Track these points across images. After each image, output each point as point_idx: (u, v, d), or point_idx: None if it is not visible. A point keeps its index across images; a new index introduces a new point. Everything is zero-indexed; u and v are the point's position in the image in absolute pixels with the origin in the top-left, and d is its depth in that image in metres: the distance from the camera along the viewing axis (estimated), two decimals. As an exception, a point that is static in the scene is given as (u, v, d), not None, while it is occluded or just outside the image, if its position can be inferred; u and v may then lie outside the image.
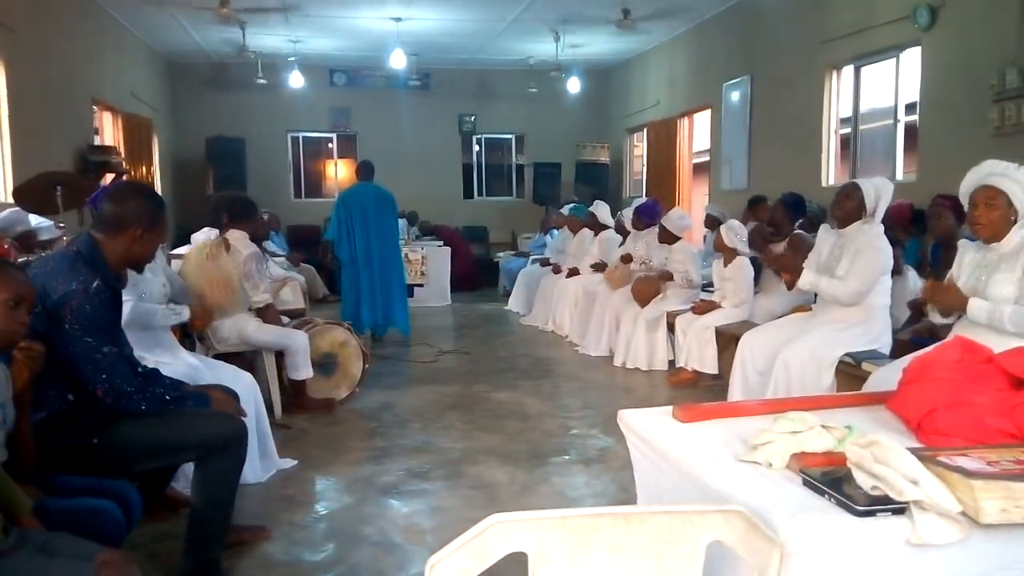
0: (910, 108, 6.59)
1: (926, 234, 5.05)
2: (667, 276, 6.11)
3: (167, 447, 2.51)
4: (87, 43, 8.19)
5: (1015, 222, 2.73)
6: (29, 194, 5.16)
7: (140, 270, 2.71)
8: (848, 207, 3.85)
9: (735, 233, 5.39)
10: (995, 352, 1.84)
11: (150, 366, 2.79)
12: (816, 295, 4.14)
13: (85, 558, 1.73)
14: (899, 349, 3.80)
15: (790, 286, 4.13)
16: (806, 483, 1.44)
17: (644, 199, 7.44)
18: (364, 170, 7.18)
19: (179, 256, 5.19)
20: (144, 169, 9.59)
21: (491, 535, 1.16)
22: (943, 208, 4.58)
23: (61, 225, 5.34)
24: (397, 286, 7.19)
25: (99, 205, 2.54)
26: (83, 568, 1.69)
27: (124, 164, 8.36)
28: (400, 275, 7.27)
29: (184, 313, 3.60)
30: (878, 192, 3.84)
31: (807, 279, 3.92)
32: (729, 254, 5.44)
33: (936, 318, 3.01)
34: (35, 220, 5.00)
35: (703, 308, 5.45)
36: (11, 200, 5.51)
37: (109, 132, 9.08)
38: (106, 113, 8.99)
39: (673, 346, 5.90)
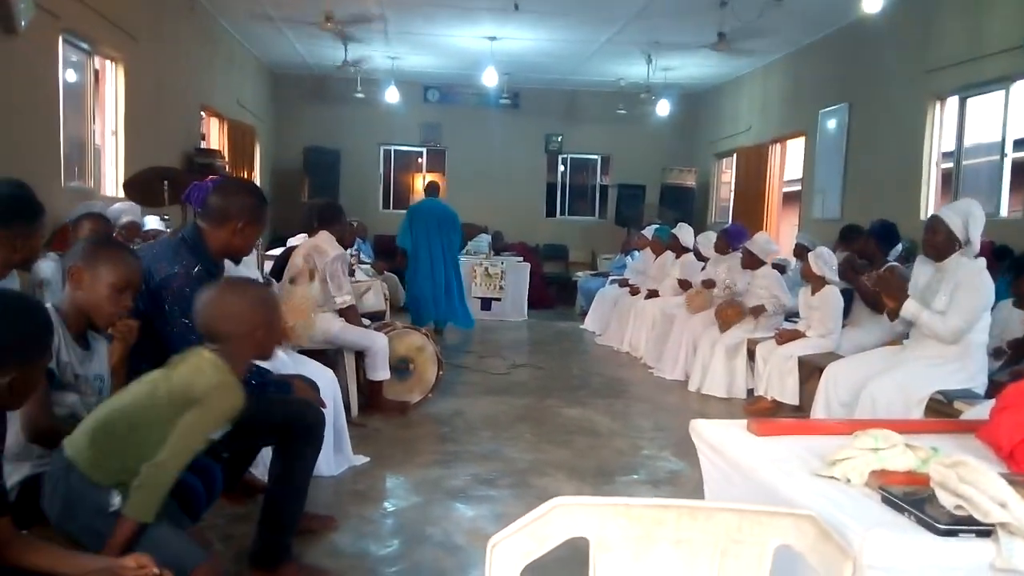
0: (1019, 143, 6.27)
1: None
2: (759, 311, 5.83)
3: (249, 428, 2.58)
4: (200, 52, 8.69)
5: None
6: (138, 187, 5.49)
7: (238, 261, 2.83)
8: (937, 242, 3.62)
9: (824, 261, 5.21)
10: None
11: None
12: (910, 330, 3.95)
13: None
14: (994, 390, 3.59)
15: (892, 315, 3.93)
16: (885, 500, 1.38)
17: (730, 225, 7.31)
18: (430, 189, 8.55)
19: (272, 256, 5.45)
20: (245, 173, 10.06)
21: (553, 517, 1.16)
22: None
23: (166, 217, 5.67)
24: (457, 289, 8.24)
25: (204, 199, 2.68)
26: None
27: (227, 168, 8.79)
28: (459, 280, 8.36)
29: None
30: (965, 218, 3.56)
31: (910, 308, 3.74)
32: (817, 282, 5.26)
33: None
34: (145, 216, 5.34)
35: (787, 337, 5.27)
36: (122, 194, 5.87)
37: (215, 137, 9.58)
38: (213, 119, 9.50)
39: (752, 374, 5.74)
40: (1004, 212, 6.43)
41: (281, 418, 2.59)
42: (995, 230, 5.82)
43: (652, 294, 7.70)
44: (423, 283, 7.97)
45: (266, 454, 2.98)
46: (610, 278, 9.86)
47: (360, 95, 11.33)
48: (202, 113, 9.00)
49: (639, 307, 7.62)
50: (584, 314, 9.59)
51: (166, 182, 5.37)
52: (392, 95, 11.59)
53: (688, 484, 3.77)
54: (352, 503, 3.46)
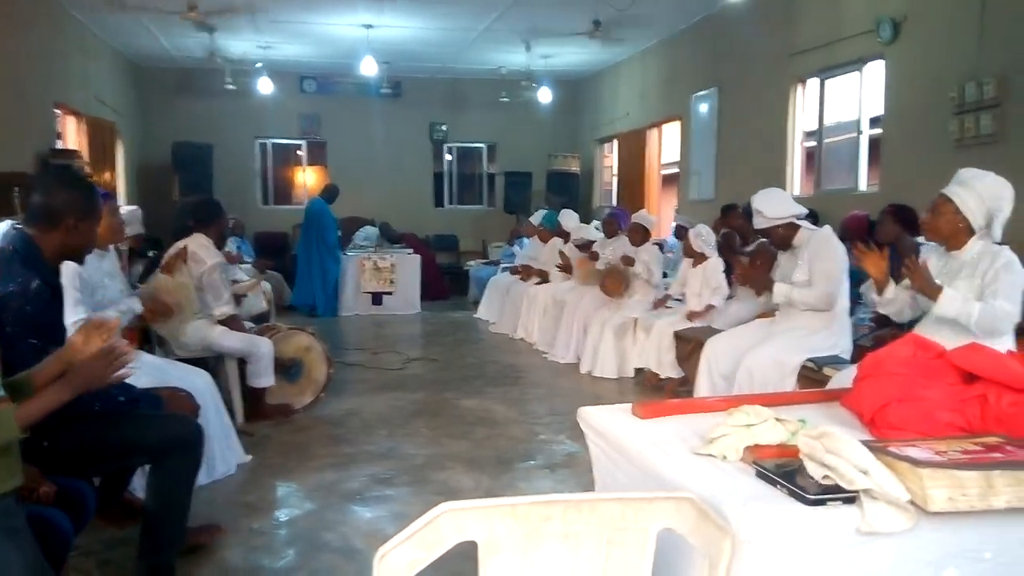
0: (874, 121, 6.72)
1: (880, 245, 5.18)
2: (628, 261, 6.20)
3: (120, 449, 2.46)
4: (49, 45, 8.04)
5: (969, 230, 2.76)
6: (-14, 195, 5.04)
7: (81, 261, 2.63)
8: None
9: (702, 238, 5.49)
10: (947, 349, 1.87)
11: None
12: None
13: None
14: (860, 354, 3.85)
15: (760, 291, 4.17)
16: (759, 474, 1.45)
17: (613, 208, 7.53)
18: (323, 191, 9.86)
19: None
20: (108, 174, 9.43)
21: (441, 524, 1.14)
22: (884, 215, 4.74)
23: (19, 227, 5.22)
24: (321, 279, 9.44)
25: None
26: None
27: (87, 168, 8.21)
28: (329, 271, 9.45)
29: (136, 306, 3.47)
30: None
31: (781, 291, 3.95)
32: (699, 258, 5.54)
33: (872, 298, 3.03)
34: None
35: (697, 316, 5.41)
36: (-33, 202, 5.37)
37: (72, 136, 8.92)
38: (69, 117, 8.84)
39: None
40: (863, 187, 6.88)
41: (154, 437, 2.45)
42: (854, 204, 6.25)
43: (543, 280, 7.80)
44: (301, 274, 9.46)
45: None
46: (501, 266, 9.91)
47: (231, 86, 10.83)
48: (56, 111, 8.34)
49: (531, 294, 7.71)
50: (477, 303, 9.60)
51: (17, 188, 4.95)
52: (265, 86, 11.15)
53: (583, 465, 3.83)
54: (242, 515, 3.32)
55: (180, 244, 4.45)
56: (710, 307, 5.39)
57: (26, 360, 2.24)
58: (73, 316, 2.75)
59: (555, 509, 1.17)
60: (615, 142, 11.84)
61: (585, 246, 7.32)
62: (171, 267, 4.12)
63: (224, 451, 3.72)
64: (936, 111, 5.69)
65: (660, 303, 5.63)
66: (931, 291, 2.73)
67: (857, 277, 4.72)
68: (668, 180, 10.78)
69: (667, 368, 5.38)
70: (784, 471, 1.41)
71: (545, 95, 11.49)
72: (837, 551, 1.30)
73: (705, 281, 5.49)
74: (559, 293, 7.15)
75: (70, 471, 2.34)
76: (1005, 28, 5.20)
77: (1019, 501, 1.31)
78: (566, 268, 7.28)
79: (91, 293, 3.16)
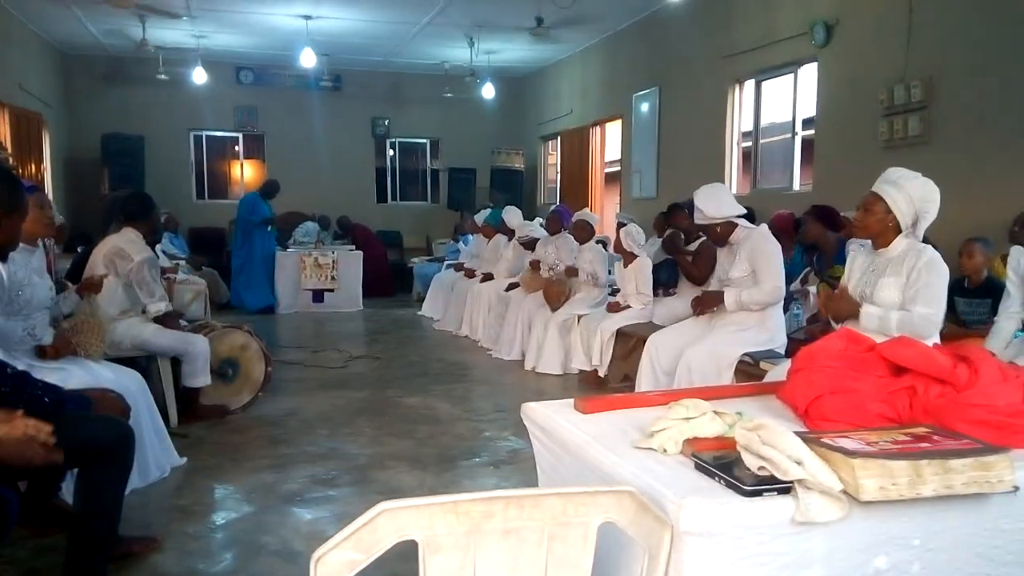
0: (807, 122, 6.92)
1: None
2: (572, 272, 6.27)
3: (45, 453, 2.35)
4: (-32, 30, 7.67)
5: (897, 229, 2.85)
6: None
7: (4, 258, 2.51)
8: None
9: (632, 238, 5.58)
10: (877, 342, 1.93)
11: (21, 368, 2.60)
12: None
13: None
14: (794, 348, 3.96)
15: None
16: (697, 466, 1.46)
17: (557, 206, 7.57)
18: (261, 186, 9.86)
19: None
20: (33, 166, 9.04)
21: (379, 523, 1.12)
22: (808, 216, 4.94)
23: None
24: (245, 272, 9.46)
25: None
26: None
27: (11, 160, 7.84)
28: (253, 265, 9.42)
29: (45, 337, 3.19)
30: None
31: (730, 297, 4.03)
32: (628, 257, 5.61)
33: (833, 324, 3.14)
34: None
35: (615, 307, 5.58)
36: None
37: (-7, 126, 8.50)
38: (-10, 106, 8.43)
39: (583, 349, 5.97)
40: (796, 186, 7.08)
41: (83, 439, 2.34)
42: (788, 203, 6.42)
43: (487, 277, 7.79)
44: (236, 271, 9.51)
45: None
46: (445, 263, 9.87)
47: (163, 77, 10.51)
48: (-25, 99, 7.95)
49: (475, 291, 7.69)
50: (421, 300, 9.54)
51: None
52: (200, 76, 10.83)
53: (528, 461, 3.81)
54: (176, 520, 3.22)
55: (106, 240, 4.29)
56: (628, 307, 5.52)
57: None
58: None
59: (497, 505, 1.16)
60: (558, 139, 11.91)
61: (529, 243, 7.34)
62: (90, 288, 3.88)
63: (157, 454, 3.61)
64: (866, 113, 5.89)
65: (615, 307, 5.60)
66: (852, 311, 2.89)
67: (795, 272, 4.87)
68: (611, 178, 10.90)
69: (605, 366, 5.43)
70: (721, 463, 1.43)
71: (489, 91, 11.48)
72: (773, 541, 1.33)
73: (636, 284, 5.57)
74: (503, 290, 7.15)
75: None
76: (932, 33, 5.41)
77: (945, 489, 1.36)
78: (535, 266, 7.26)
79: (17, 291, 3.00)
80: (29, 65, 9.64)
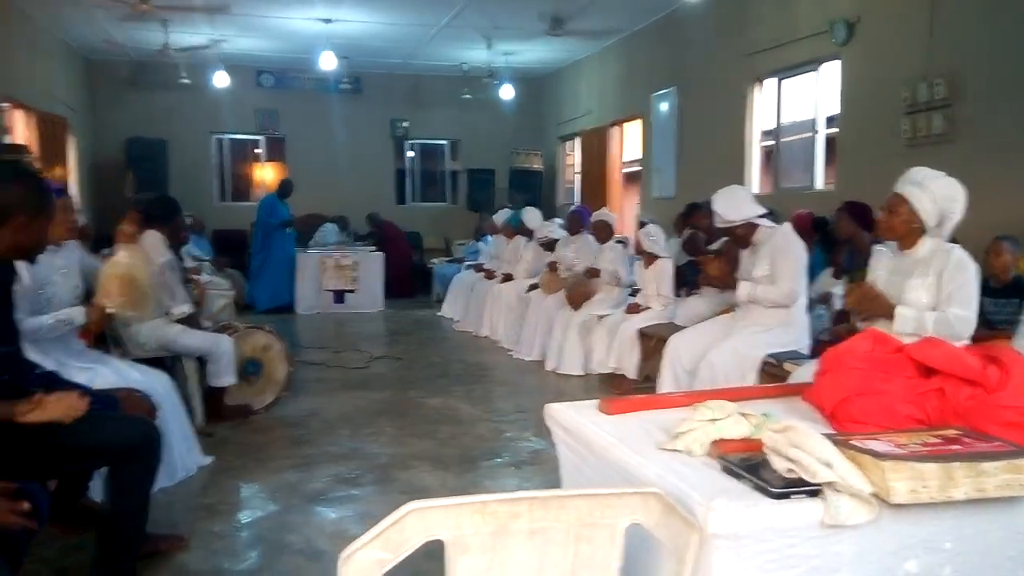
0: (830, 120, 6.85)
1: (837, 242, 5.26)
2: (593, 273, 6.22)
3: (75, 452, 2.38)
4: (-3, 37, 7.79)
5: (921, 230, 2.80)
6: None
7: (32, 260, 2.55)
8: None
9: (651, 237, 5.54)
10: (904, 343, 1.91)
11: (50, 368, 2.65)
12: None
13: None
14: (819, 350, 3.92)
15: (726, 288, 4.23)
16: (724, 468, 1.46)
17: (576, 206, 7.56)
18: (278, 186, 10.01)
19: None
20: (59, 170, 9.17)
21: (407, 523, 1.12)
22: (840, 212, 4.80)
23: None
24: (257, 272, 9.71)
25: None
26: None
27: (36, 164, 7.96)
28: (269, 265, 9.60)
29: (77, 317, 3.18)
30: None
31: (743, 291, 4.00)
32: (648, 257, 5.57)
33: (861, 325, 3.08)
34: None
35: (634, 309, 5.55)
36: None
37: (21, 131, 8.64)
38: (18, 111, 8.56)
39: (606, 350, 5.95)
40: (819, 185, 7.01)
41: (111, 439, 2.38)
42: (811, 202, 6.36)
43: (507, 278, 7.80)
44: (255, 272, 9.67)
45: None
46: (465, 264, 9.89)
47: (186, 81, 10.61)
48: (4, 105, 8.07)
49: (495, 291, 7.69)
50: (441, 301, 9.57)
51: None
52: (221, 80, 10.91)
53: (549, 462, 3.81)
54: (202, 518, 3.26)
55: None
56: (647, 308, 5.48)
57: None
58: None
59: (523, 506, 1.16)
60: (577, 140, 11.88)
61: (549, 244, 7.33)
62: (122, 238, 3.78)
63: (183, 453, 3.65)
64: (889, 111, 5.82)
65: (634, 308, 5.56)
66: (885, 312, 2.80)
67: (814, 272, 4.82)
68: (630, 178, 10.86)
69: (630, 368, 5.38)
70: (749, 465, 1.42)
71: (507, 92, 11.48)
72: (802, 543, 1.32)
73: (657, 284, 5.53)
74: (523, 291, 7.15)
75: (22, 474, 2.27)
76: (955, 29, 5.34)
77: (977, 492, 1.34)
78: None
79: (39, 290, 3.05)
80: (54, 71, 9.79)
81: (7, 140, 8.01)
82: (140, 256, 3.67)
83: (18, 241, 2.32)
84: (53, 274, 3.15)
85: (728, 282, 4.19)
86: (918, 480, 1.33)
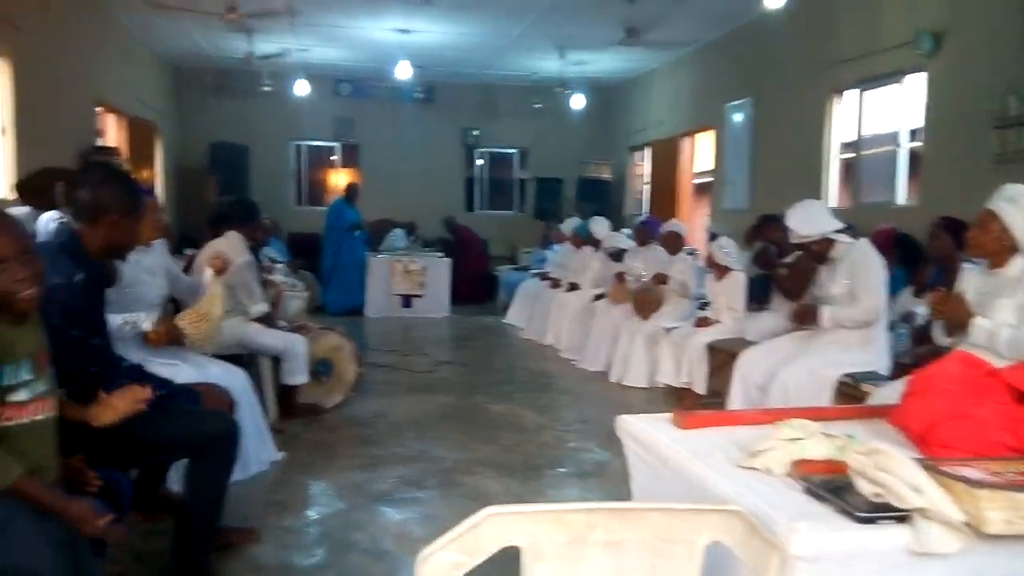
0: (914, 133, 6.61)
1: (921, 260, 5.03)
2: (661, 279, 6.16)
3: (158, 443, 2.48)
4: (92, 45, 8.21)
5: (1013, 248, 2.68)
6: (30, 189, 5.14)
7: (124, 258, 2.66)
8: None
9: (724, 250, 5.42)
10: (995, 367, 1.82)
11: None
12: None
13: None
14: (900, 371, 3.77)
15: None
16: (806, 490, 1.42)
17: (645, 217, 7.49)
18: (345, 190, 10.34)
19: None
20: (146, 172, 9.60)
21: (485, 528, 1.13)
22: (938, 229, 4.52)
23: (64, 221, 5.32)
24: (328, 276, 9.98)
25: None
26: None
27: (126, 166, 8.35)
28: (339, 269, 9.94)
29: (143, 323, 3.20)
30: None
31: (825, 314, 3.88)
32: (720, 270, 5.46)
33: (941, 339, 2.97)
34: (39, 219, 4.97)
35: (703, 323, 5.44)
36: (9, 195, 5.49)
37: (113, 134, 9.09)
38: (110, 115, 9.01)
39: (673, 363, 5.86)
40: (901, 200, 6.77)
41: (192, 432, 2.47)
42: (892, 217, 6.14)
43: (573, 287, 7.77)
44: (327, 275, 9.89)
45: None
46: (531, 272, 9.91)
47: (268, 88, 10.97)
48: (97, 109, 8.51)
49: (560, 300, 7.68)
50: (506, 308, 9.60)
51: (60, 183, 5.04)
52: (302, 88, 11.26)
53: (613, 474, 3.82)
54: (273, 513, 3.35)
55: (212, 244, 4.49)
56: (717, 322, 5.36)
57: (68, 351, 2.28)
58: None
59: (599, 517, 1.15)
60: (647, 150, 11.78)
61: (616, 254, 7.28)
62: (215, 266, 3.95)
63: (258, 448, 3.76)
64: (976, 125, 5.58)
65: (703, 322, 5.44)
66: (963, 319, 2.71)
67: (894, 291, 4.61)
68: (700, 189, 10.71)
69: (698, 383, 5.28)
70: (832, 487, 1.38)
71: (578, 102, 11.47)
72: (887, 570, 1.27)
73: (728, 297, 5.40)
74: (589, 300, 7.12)
75: (107, 463, 2.37)
76: (1052, 41, 5.09)
77: (1078, 526, 1.27)
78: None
79: (127, 288, 3.17)
80: (144, 77, 10.27)
81: (99, 142, 8.44)
82: (221, 293, 3.68)
83: (111, 239, 2.44)
84: (141, 273, 3.29)
85: (799, 293, 4.08)
86: (1015, 510, 1.27)
